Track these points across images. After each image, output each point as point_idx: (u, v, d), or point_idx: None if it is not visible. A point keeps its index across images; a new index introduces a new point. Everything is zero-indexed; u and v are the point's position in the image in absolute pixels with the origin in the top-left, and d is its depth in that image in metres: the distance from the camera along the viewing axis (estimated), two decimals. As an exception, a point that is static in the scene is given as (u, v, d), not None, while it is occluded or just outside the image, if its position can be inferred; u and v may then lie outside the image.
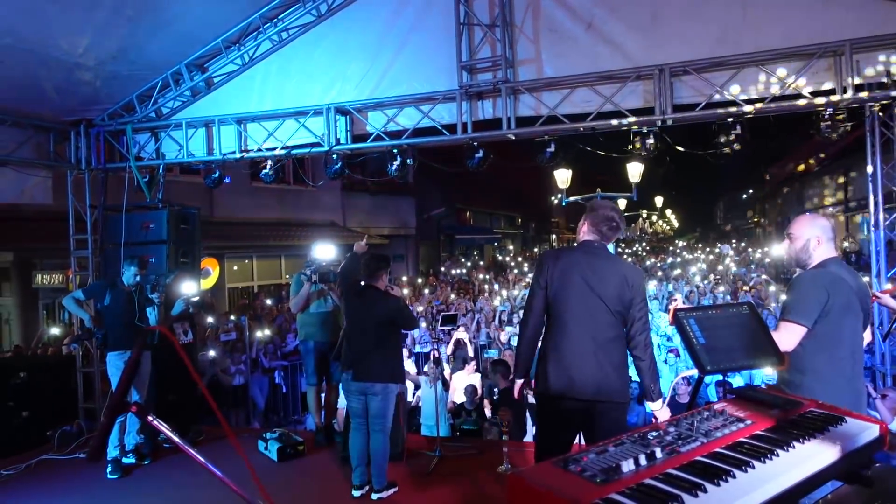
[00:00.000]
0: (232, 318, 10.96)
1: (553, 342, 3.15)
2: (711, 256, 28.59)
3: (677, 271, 19.73)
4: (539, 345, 3.27)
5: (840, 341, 2.92)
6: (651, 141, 5.76)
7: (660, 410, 3.23)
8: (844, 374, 2.90)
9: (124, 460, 5.68)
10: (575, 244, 3.34)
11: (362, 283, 4.80)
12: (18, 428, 6.55)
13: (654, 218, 48.46)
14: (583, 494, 1.35)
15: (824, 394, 2.25)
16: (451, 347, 9.38)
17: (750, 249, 30.60)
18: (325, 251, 6.27)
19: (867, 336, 3.19)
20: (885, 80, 5.16)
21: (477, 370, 8.31)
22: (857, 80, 5.22)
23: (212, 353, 8.78)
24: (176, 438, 1.64)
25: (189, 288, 6.35)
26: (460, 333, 9.52)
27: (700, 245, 43.30)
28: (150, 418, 1.63)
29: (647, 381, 3.16)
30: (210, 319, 9.53)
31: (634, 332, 3.13)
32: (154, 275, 6.28)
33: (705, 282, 15.93)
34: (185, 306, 6.30)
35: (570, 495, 1.35)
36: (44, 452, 6.22)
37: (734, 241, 37.74)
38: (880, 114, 5.76)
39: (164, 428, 1.64)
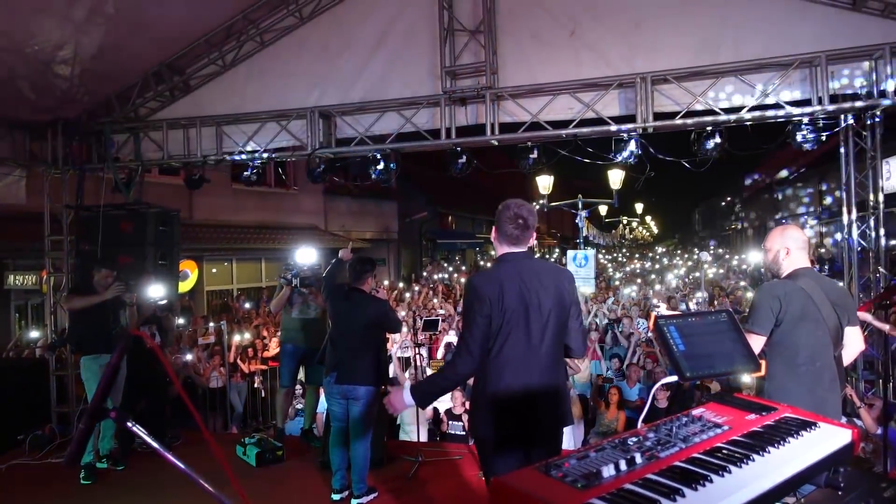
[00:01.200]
0: (211, 323, 10.82)
1: (498, 376, 2.76)
2: (690, 262, 28.97)
3: (652, 276, 19.98)
4: (479, 382, 2.86)
5: (795, 350, 2.99)
6: (632, 148, 5.82)
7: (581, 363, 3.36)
8: (803, 382, 2.95)
9: (98, 465, 5.58)
10: (498, 260, 2.92)
11: (347, 286, 4.80)
12: (-11, 432, 6.40)
13: (635, 224, 49.03)
14: (564, 499, 1.36)
15: (784, 400, 2.27)
16: (442, 351, 9.34)
17: (727, 256, 31.04)
18: (306, 255, 6.24)
19: (858, 344, 3.20)
20: (858, 90, 5.29)
21: None
22: (832, 91, 5.34)
23: (188, 356, 8.66)
24: (155, 444, 1.62)
25: (156, 291, 6.28)
26: (451, 337, 9.48)
27: (679, 251, 43.81)
28: (129, 424, 1.61)
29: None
30: (181, 321, 9.40)
31: (572, 340, 2.95)
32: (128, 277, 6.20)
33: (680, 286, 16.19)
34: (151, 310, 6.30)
35: (552, 500, 1.36)
36: (15, 457, 6.09)
37: (712, 247, 38.24)
38: (853, 124, 5.89)
39: (143, 434, 1.62)
